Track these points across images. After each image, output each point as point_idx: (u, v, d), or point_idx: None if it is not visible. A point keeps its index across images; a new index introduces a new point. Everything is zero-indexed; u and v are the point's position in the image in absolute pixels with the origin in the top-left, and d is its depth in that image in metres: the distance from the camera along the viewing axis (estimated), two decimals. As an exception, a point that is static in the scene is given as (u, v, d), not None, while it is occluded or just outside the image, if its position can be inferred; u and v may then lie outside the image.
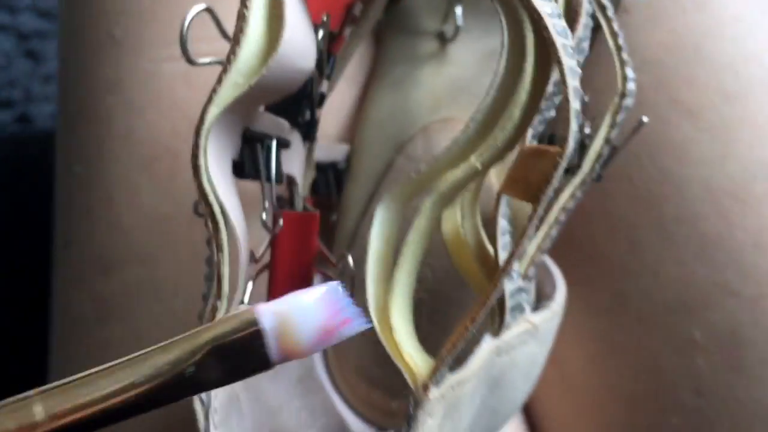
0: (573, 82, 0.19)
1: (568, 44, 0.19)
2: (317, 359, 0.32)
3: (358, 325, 0.16)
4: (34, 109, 0.82)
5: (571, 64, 0.19)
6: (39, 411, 0.14)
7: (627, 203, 0.37)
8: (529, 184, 0.21)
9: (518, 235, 0.20)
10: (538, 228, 0.27)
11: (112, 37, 0.36)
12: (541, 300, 0.31)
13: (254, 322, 0.15)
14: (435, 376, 0.20)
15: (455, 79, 0.35)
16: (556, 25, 0.19)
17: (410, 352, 0.21)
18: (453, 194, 0.22)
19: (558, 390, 0.42)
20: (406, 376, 0.21)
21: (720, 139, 0.36)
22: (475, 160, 0.21)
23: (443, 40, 0.37)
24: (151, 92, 0.36)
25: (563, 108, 0.19)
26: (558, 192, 0.27)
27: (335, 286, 0.16)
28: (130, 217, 0.36)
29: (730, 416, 0.37)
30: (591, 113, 0.30)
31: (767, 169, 0.35)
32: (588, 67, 0.35)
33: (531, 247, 0.27)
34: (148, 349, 0.15)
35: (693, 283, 0.36)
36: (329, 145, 0.35)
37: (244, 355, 0.15)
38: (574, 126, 0.19)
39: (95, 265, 0.37)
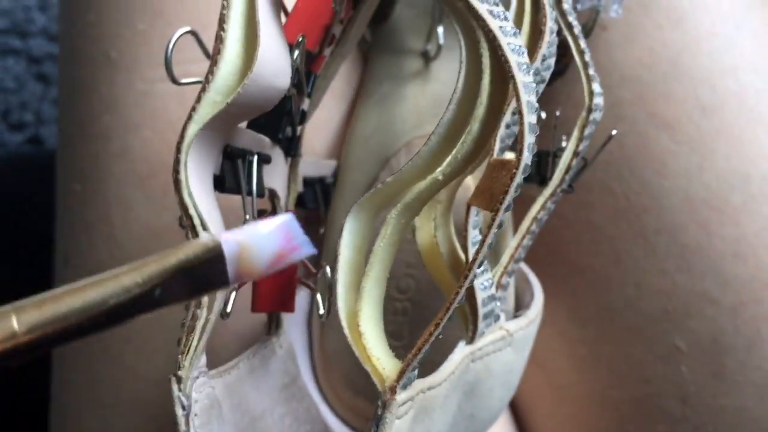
0: (526, 97, 0.20)
1: (522, 62, 0.20)
2: (303, 368, 0.33)
3: (306, 252, 0.17)
4: (45, 131, 0.83)
5: (525, 80, 0.20)
6: (15, 324, 0.15)
7: (609, 215, 0.38)
8: (493, 194, 0.22)
9: (481, 242, 0.21)
10: (515, 236, 0.28)
11: (108, 59, 0.38)
12: (520, 309, 0.32)
13: (217, 248, 0.16)
14: (402, 379, 0.21)
15: (438, 95, 0.37)
16: (510, 43, 0.20)
17: (378, 356, 0.22)
18: (418, 205, 0.23)
19: (548, 398, 0.42)
20: (374, 379, 0.22)
21: (697, 151, 0.37)
22: (437, 173, 0.22)
23: (427, 58, 0.38)
24: (146, 111, 0.37)
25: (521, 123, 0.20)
26: (524, 202, 0.28)
27: (290, 217, 0.17)
28: (126, 232, 0.37)
29: (713, 423, 0.37)
30: (569, 127, 0.31)
31: (744, 180, 0.36)
32: (570, 82, 0.36)
33: (504, 257, 0.27)
34: (119, 268, 0.16)
35: (674, 293, 0.37)
36: (317, 161, 0.36)
37: (206, 276, 0.16)
38: (528, 139, 0.20)
39: (93, 279, 0.38)
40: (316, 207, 0.35)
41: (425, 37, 0.38)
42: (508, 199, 0.20)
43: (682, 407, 0.38)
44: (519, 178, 0.20)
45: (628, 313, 0.38)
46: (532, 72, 0.21)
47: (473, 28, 0.21)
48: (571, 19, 0.28)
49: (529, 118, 0.20)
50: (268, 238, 0.17)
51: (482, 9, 0.20)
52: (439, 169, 0.22)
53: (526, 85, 0.20)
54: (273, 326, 0.29)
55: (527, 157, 0.20)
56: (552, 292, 0.41)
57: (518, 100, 0.20)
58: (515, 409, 0.44)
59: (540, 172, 0.32)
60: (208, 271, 0.16)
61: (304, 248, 0.17)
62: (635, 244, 0.38)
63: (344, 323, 0.23)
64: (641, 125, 0.37)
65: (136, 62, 0.37)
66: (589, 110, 0.27)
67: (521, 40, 0.21)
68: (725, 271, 0.37)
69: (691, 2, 0.37)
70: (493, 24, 0.20)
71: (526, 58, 0.21)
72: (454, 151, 0.21)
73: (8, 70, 0.84)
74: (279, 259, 0.17)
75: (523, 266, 0.34)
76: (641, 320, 0.38)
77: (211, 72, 0.23)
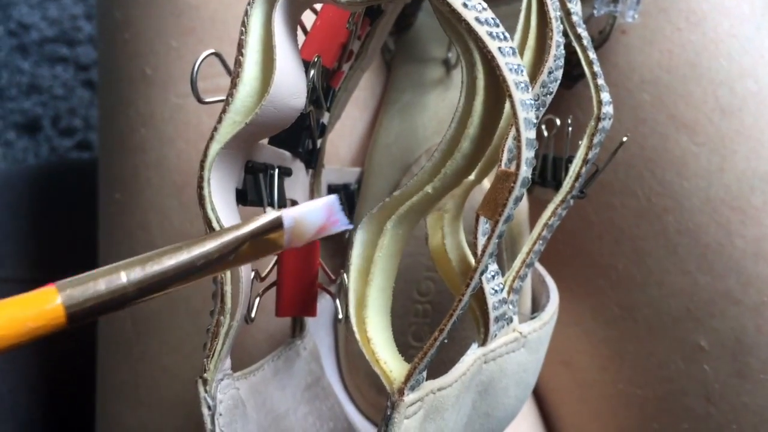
0: (524, 114, 0.21)
1: (520, 80, 0.21)
2: (329, 368, 0.34)
3: (342, 226, 0.22)
4: (94, 136, 0.87)
5: (523, 97, 0.21)
6: (124, 278, 0.18)
7: (631, 216, 0.39)
8: (496, 205, 0.23)
9: (481, 252, 0.22)
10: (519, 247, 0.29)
11: (144, 75, 0.40)
12: (537, 311, 0.33)
13: (279, 221, 0.20)
14: (409, 381, 0.22)
15: (458, 103, 0.38)
16: (509, 63, 0.21)
17: (386, 360, 0.23)
18: (413, 216, 0.24)
19: (573, 396, 0.43)
20: (384, 381, 0.23)
21: (718, 153, 0.37)
22: (428, 187, 0.23)
23: (448, 66, 0.39)
24: (180, 124, 0.39)
25: (517, 138, 0.21)
26: (542, 207, 0.29)
27: (333, 198, 0.21)
28: (163, 239, 0.39)
29: (737, 421, 0.38)
30: (582, 133, 0.31)
31: (764, 180, 0.37)
32: (586, 88, 0.37)
33: (516, 262, 0.28)
34: (205, 236, 0.20)
35: (696, 292, 0.38)
36: (341, 168, 0.37)
37: (268, 242, 0.21)
38: (525, 154, 0.21)
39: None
40: (341, 213, 0.36)
41: (447, 45, 0.39)
42: (507, 210, 0.21)
43: (705, 405, 0.38)
44: (517, 191, 0.21)
45: (651, 313, 0.39)
46: (530, 90, 0.22)
47: (470, 48, 0.22)
48: (581, 30, 0.28)
49: (527, 134, 0.21)
50: (315, 214, 0.21)
51: (481, 31, 0.21)
52: (431, 184, 0.23)
53: (523, 102, 0.21)
54: (297, 329, 0.30)
55: (525, 171, 0.21)
56: (576, 293, 0.42)
57: (515, 116, 0.21)
58: (542, 406, 0.45)
59: (555, 178, 0.33)
60: (269, 239, 0.20)
61: (342, 223, 0.22)
62: (657, 245, 0.38)
63: (355, 329, 0.24)
64: (661, 127, 0.38)
65: (170, 78, 0.39)
66: (598, 119, 0.28)
67: (520, 59, 0.22)
68: (747, 271, 0.37)
69: (710, 4, 0.38)
70: (492, 45, 0.21)
71: (524, 77, 0.22)
72: (444, 167, 0.23)
73: (57, 78, 0.87)
74: (321, 230, 0.21)
75: (541, 269, 0.34)
76: (664, 320, 0.39)
77: (230, 94, 0.24)
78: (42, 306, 0.17)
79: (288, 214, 0.20)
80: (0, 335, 0.17)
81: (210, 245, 0.19)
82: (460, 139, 0.22)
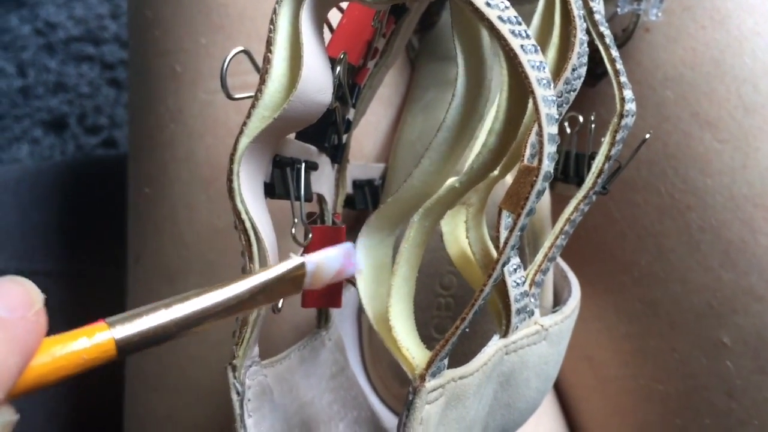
0: (546, 110, 0.22)
1: (542, 77, 0.22)
2: (353, 359, 0.35)
3: (357, 270, 0.24)
4: (119, 134, 0.88)
5: (545, 94, 0.22)
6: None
7: (654, 213, 0.39)
8: (519, 199, 0.23)
9: (503, 243, 0.23)
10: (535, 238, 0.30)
11: (174, 72, 0.41)
12: (558, 305, 0.33)
13: (303, 266, 0.23)
14: (431, 367, 0.23)
15: (481, 100, 0.38)
16: (531, 60, 0.22)
17: (408, 347, 0.24)
18: (439, 208, 0.25)
19: (595, 391, 0.43)
20: (405, 368, 0.23)
21: (741, 150, 0.37)
22: (454, 181, 0.24)
23: (471, 64, 0.39)
24: (208, 119, 0.40)
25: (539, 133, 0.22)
26: (563, 203, 0.30)
27: (350, 245, 0.24)
28: (191, 233, 0.40)
29: (759, 417, 0.38)
30: (605, 130, 0.32)
31: (788, 178, 0.37)
32: (609, 86, 0.37)
33: (539, 256, 0.29)
34: (240, 279, 0.22)
35: (719, 289, 0.38)
36: (366, 164, 0.38)
37: (291, 284, 0.23)
38: (548, 149, 0.22)
39: (162, 276, 0.41)
40: (365, 208, 0.37)
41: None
42: (529, 204, 0.22)
43: (727, 401, 0.38)
44: (539, 184, 0.22)
45: (674, 309, 0.39)
46: (552, 86, 0.22)
47: (479, 46, 0.22)
48: (603, 29, 0.29)
49: (549, 129, 0.22)
50: (333, 260, 0.23)
51: (504, 29, 0.22)
52: (456, 178, 0.24)
53: (545, 98, 0.22)
54: (322, 320, 0.31)
55: (547, 165, 0.22)
56: (598, 288, 0.42)
57: (537, 112, 0.22)
58: (563, 401, 0.45)
59: (578, 174, 0.34)
60: (291, 281, 0.23)
61: (358, 267, 0.24)
62: (680, 241, 0.39)
63: (372, 321, 0.25)
64: (684, 124, 0.38)
65: (199, 75, 0.40)
66: (621, 116, 0.28)
67: (542, 56, 0.22)
68: (770, 268, 0.37)
69: (734, 3, 0.38)
70: (515, 43, 0.22)
71: (546, 74, 0.22)
72: (470, 161, 0.23)
73: (83, 76, 0.89)
74: (339, 274, 0.23)
75: (563, 264, 0.35)
76: (686, 316, 0.39)
77: (259, 90, 0.25)
78: (95, 340, 0.19)
79: (310, 260, 0.23)
80: (59, 366, 0.19)
81: (241, 288, 0.22)
82: (459, 142, 0.23)
